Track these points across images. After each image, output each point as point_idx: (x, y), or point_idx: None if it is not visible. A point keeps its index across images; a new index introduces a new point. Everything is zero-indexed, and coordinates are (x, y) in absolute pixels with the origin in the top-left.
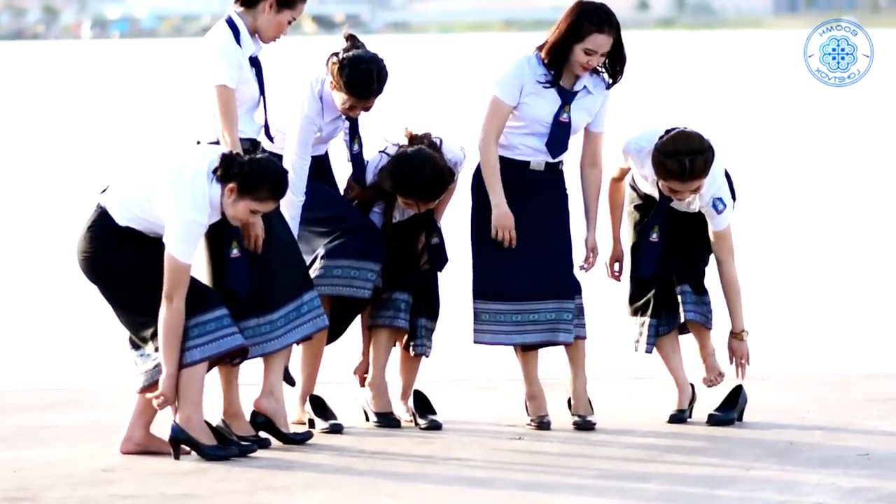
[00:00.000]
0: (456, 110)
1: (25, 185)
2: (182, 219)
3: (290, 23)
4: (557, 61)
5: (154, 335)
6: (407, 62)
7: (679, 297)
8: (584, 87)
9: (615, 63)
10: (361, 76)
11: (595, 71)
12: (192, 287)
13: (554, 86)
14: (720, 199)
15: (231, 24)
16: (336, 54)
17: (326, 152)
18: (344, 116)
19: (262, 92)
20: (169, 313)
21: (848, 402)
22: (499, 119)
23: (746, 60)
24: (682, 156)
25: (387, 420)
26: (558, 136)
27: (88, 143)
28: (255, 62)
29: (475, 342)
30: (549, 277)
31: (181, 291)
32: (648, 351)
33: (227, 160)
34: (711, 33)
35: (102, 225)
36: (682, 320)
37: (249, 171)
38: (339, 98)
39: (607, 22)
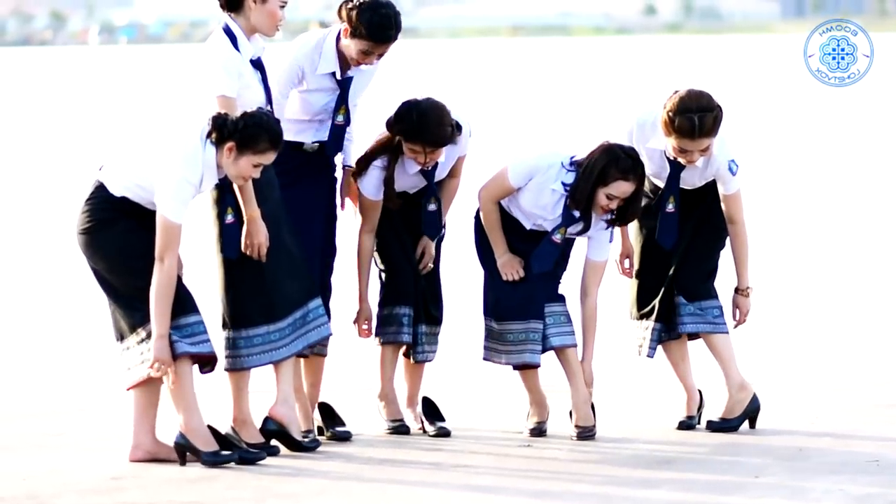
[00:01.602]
0: (464, 115)
1: (33, 190)
2: (173, 177)
3: (282, 7)
4: (586, 205)
5: (138, 325)
6: (415, 67)
7: (676, 309)
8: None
9: (629, 207)
10: (382, 20)
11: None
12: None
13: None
14: (733, 161)
15: (227, 31)
16: (348, 1)
17: (324, 145)
18: (336, 83)
19: (268, 93)
20: (160, 274)
21: (857, 408)
22: (500, 192)
23: (754, 65)
24: (692, 113)
25: (397, 427)
26: (546, 253)
27: (95, 149)
28: (257, 64)
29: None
30: (519, 298)
31: (173, 251)
32: (650, 356)
33: (219, 122)
34: (719, 38)
35: (99, 198)
36: (678, 332)
37: (244, 126)
38: (356, 45)
39: (633, 170)
